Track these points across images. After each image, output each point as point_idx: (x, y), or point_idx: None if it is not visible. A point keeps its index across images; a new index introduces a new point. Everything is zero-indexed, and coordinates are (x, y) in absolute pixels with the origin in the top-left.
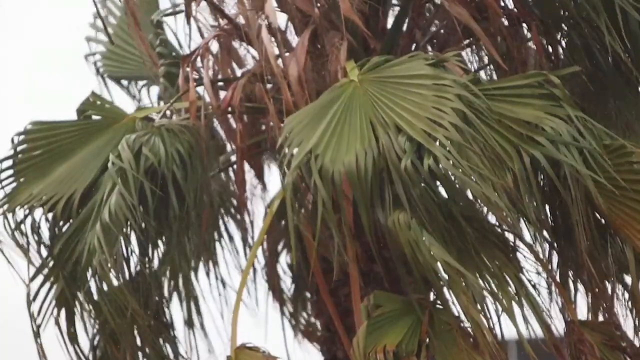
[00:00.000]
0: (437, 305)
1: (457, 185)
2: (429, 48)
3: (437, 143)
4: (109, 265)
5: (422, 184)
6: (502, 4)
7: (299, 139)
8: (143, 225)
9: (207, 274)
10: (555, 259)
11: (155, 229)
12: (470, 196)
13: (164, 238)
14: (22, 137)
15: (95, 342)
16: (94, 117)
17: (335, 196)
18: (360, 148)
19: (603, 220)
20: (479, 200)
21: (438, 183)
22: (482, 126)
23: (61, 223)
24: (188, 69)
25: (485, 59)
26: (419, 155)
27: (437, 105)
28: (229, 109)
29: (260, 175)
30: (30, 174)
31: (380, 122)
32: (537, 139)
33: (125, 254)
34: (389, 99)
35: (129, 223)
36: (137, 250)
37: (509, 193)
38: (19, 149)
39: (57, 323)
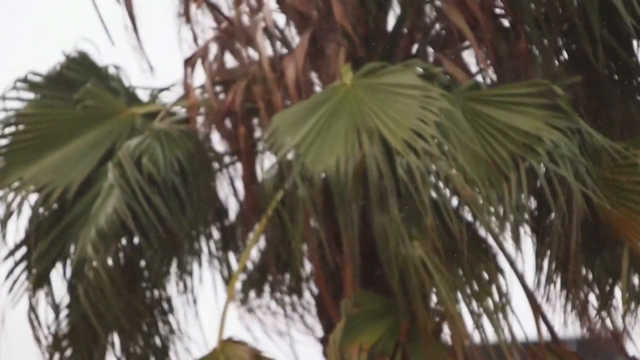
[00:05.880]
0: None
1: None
2: (430, 50)
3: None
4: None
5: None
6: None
7: (284, 137)
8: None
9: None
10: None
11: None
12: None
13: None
14: (15, 118)
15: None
16: (91, 106)
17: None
18: (343, 152)
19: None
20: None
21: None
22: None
23: (53, 212)
24: (189, 72)
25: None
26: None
27: (421, 117)
28: (229, 112)
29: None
30: (20, 156)
31: (365, 128)
32: (536, 149)
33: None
34: (377, 105)
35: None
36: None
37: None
38: (11, 130)
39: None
